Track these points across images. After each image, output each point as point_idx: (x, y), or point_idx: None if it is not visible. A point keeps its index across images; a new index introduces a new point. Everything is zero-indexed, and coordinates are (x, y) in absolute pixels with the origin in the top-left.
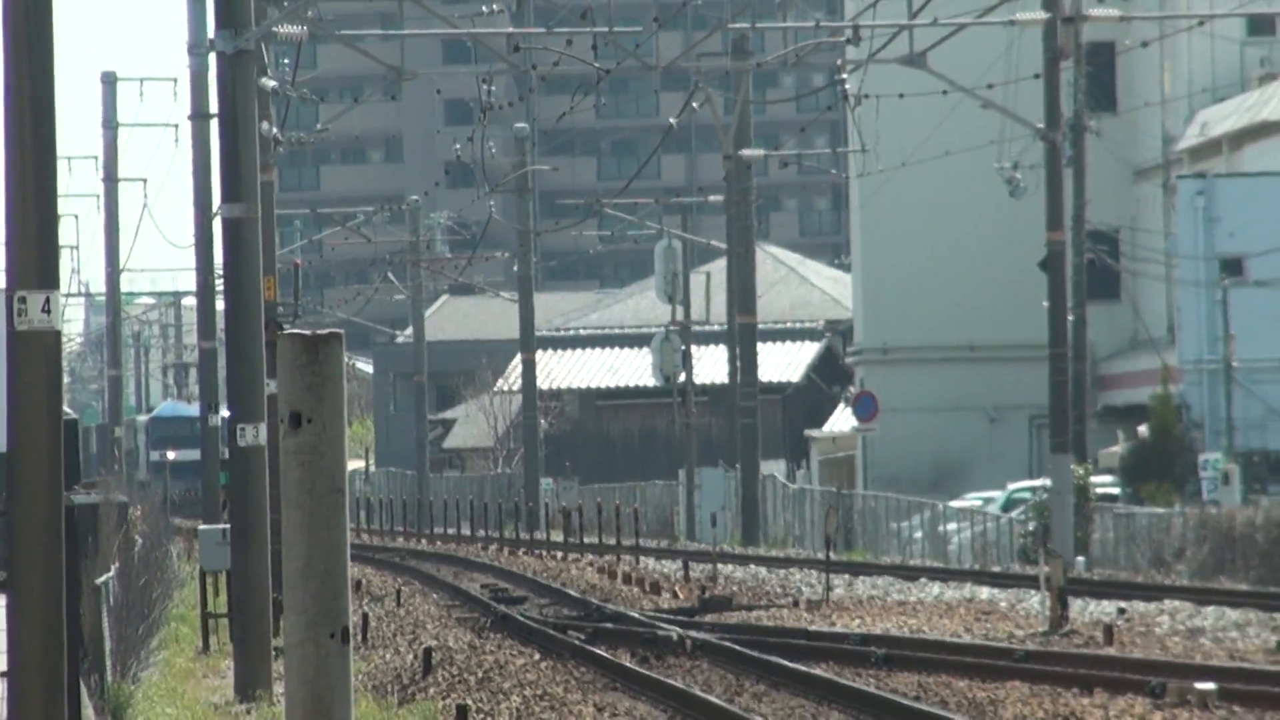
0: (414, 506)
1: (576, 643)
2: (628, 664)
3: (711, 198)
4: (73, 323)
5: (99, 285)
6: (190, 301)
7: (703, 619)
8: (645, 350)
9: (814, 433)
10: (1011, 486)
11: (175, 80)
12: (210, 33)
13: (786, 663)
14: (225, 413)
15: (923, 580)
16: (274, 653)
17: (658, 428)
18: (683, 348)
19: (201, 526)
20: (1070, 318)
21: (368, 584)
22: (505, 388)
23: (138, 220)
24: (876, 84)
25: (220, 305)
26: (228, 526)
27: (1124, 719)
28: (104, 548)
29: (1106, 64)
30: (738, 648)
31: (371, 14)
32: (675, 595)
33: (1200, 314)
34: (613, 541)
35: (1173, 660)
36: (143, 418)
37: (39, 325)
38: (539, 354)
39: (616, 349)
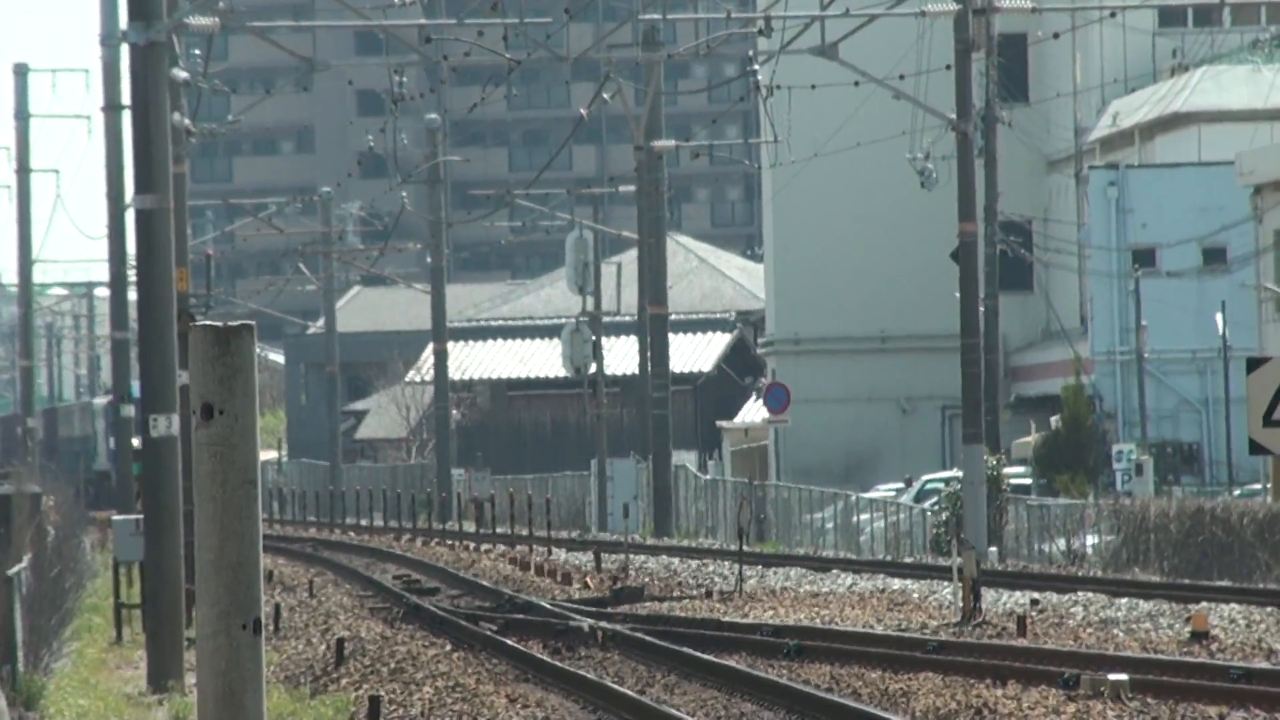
0: (326, 497)
1: (488, 634)
2: (539, 655)
3: (623, 188)
4: None
5: (11, 276)
6: (103, 292)
7: (615, 610)
8: (556, 341)
9: (726, 424)
10: (924, 477)
11: (88, 71)
12: (122, 24)
13: (698, 654)
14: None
15: (835, 571)
16: (186, 643)
17: (569, 418)
18: (593, 338)
19: (115, 517)
20: (982, 308)
21: (280, 575)
22: (417, 378)
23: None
24: (788, 75)
25: (133, 296)
26: (141, 517)
27: (1037, 710)
28: (16, 539)
29: (1018, 55)
30: (649, 639)
31: (283, 5)
32: (587, 586)
33: (1112, 305)
34: (524, 532)
35: (1085, 651)
36: (101, 400)
37: None
38: (451, 345)
39: (528, 340)
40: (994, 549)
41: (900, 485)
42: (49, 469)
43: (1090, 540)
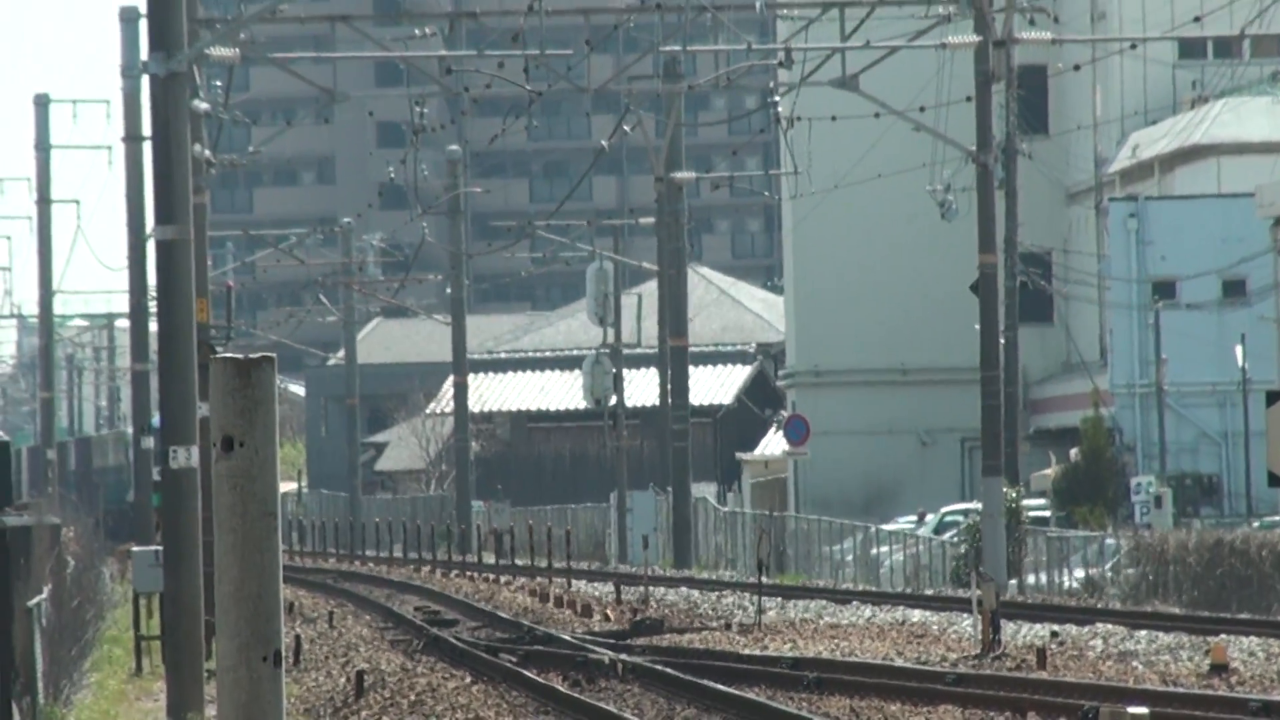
0: (346, 529)
1: (508, 665)
2: (560, 687)
3: (643, 220)
4: (5, 345)
5: (32, 307)
6: (123, 323)
7: (635, 642)
8: (576, 373)
9: (745, 455)
10: (944, 509)
11: (108, 102)
12: (143, 55)
13: (719, 686)
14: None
15: (855, 603)
16: (206, 675)
17: (589, 450)
18: (614, 370)
19: (135, 549)
20: (1002, 340)
21: (300, 606)
22: (437, 410)
23: (71, 242)
24: (808, 107)
25: (154, 327)
26: (161, 548)
27: None
28: (36, 570)
29: (1038, 87)
30: (670, 671)
31: (304, 36)
32: (607, 618)
33: (1132, 337)
34: (544, 564)
35: (1105, 684)
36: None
37: None
38: (471, 376)
39: (548, 371)
40: (1014, 581)
41: (915, 519)
42: (80, 499)
43: (1108, 568)
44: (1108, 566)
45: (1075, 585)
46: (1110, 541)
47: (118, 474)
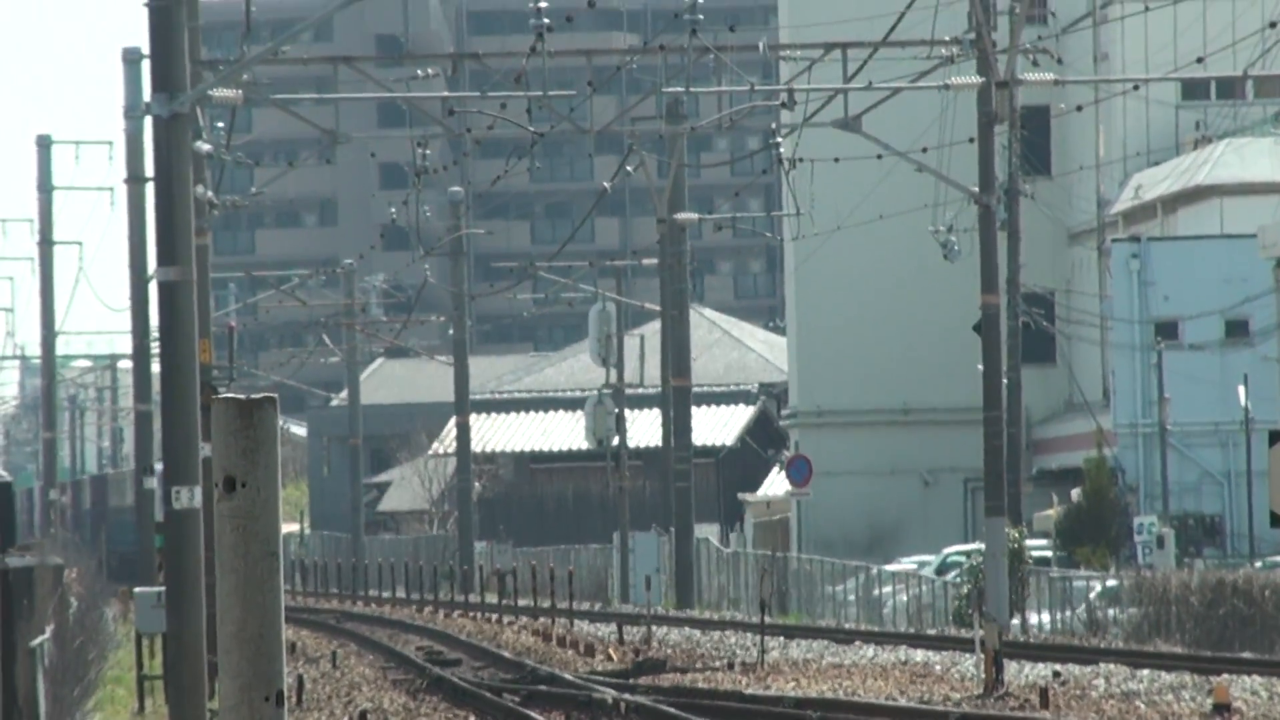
0: (349, 569)
1: (511, 705)
2: None
3: (645, 261)
4: (7, 385)
5: (34, 348)
6: (126, 364)
7: (637, 681)
8: (579, 413)
9: (748, 496)
10: (946, 550)
11: (111, 143)
12: (146, 96)
13: None
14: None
15: (857, 643)
16: (209, 715)
17: (591, 490)
18: (616, 411)
19: (138, 589)
20: (1005, 381)
21: (303, 646)
22: (440, 451)
23: (73, 283)
24: (811, 148)
25: (156, 368)
26: (164, 589)
27: None
28: (39, 610)
29: (1041, 127)
30: (672, 710)
31: (306, 78)
32: (609, 658)
33: (1134, 377)
34: (547, 604)
35: None
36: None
37: None
38: (473, 417)
39: (550, 412)
40: (1016, 621)
41: (921, 560)
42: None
43: (1110, 612)
44: (1094, 596)
45: (1079, 623)
46: (1112, 583)
47: (135, 513)
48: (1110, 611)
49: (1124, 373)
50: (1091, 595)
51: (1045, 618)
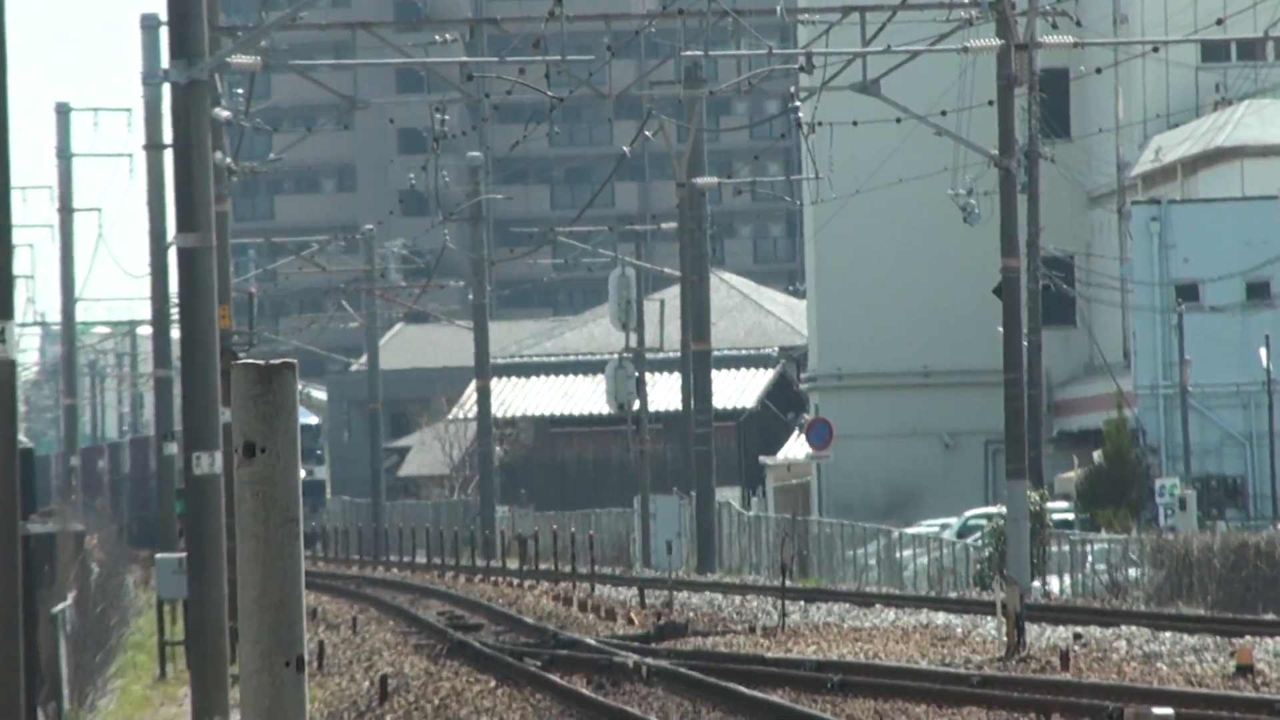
0: (369, 534)
1: (533, 670)
2: (584, 691)
3: (665, 225)
4: (28, 352)
5: (54, 315)
6: (145, 330)
7: (658, 646)
8: (599, 378)
9: (769, 459)
10: (967, 513)
11: (130, 110)
12: (164, 63)
13: (742, 689)
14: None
15: (878, 606)
16: (230, 680)
17: (612, 455)
18: (636, 375)
19: (159, 555)
20: (1025, 344)
21: (324, 611)
22: (460, 415)
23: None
24: (830, 111)
25: (176, 334)
26: (184, 555)
27: None
28: (61, 576)
29: (1060, 90)
30: (694, 674)
31: (324, 43)
32: (631, 622)
33: (1155, 340)
34: (568, 568)
35: (1129, 685)
36: None
37: None
38: (494, 382)
39: (571, 376)
40: (1037, 583)
41: (942, 523)
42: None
43: (1131, 573)
44: (1091, 561)
45: (1100, 585)
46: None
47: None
48: (1130, 572)
49: (1144, 335)
50: (1091, 560)
51: (1066, 581)
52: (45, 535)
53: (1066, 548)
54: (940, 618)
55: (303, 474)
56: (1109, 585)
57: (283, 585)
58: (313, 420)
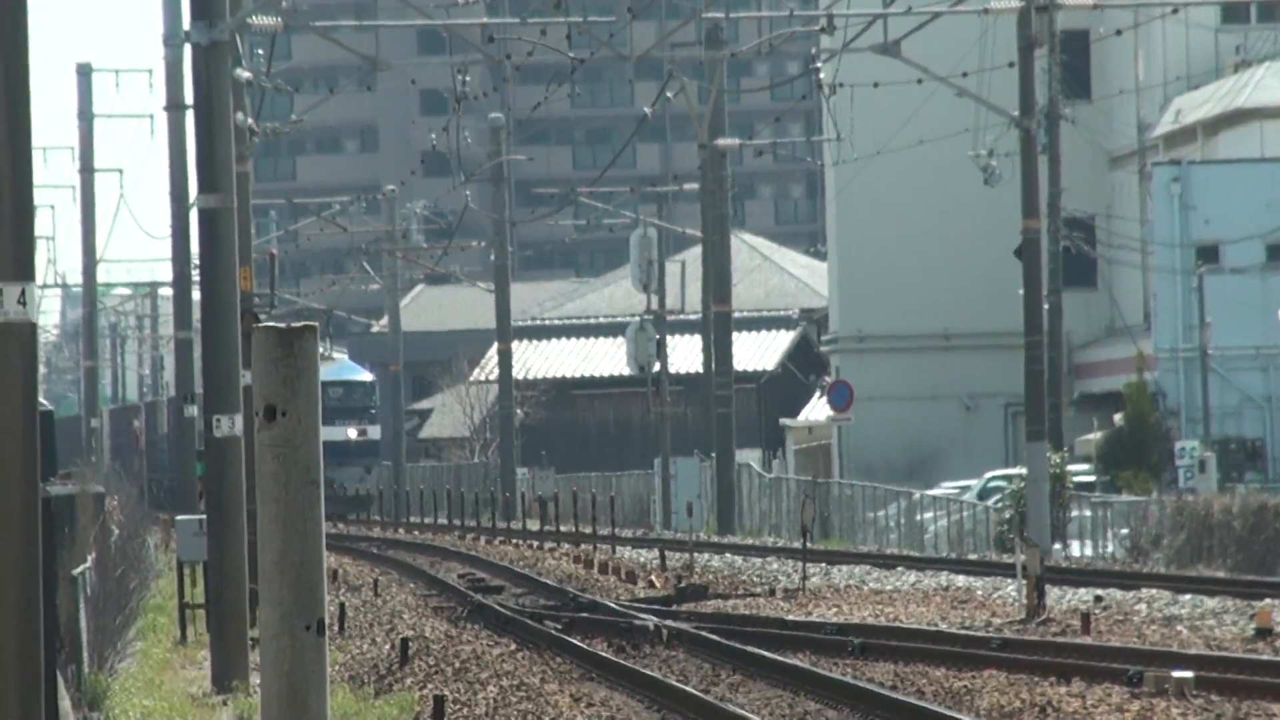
0: (390, 496)
1: (553, 632)
2: (604, 654)
3: (686, 186)
4: (49, 314)
5: (75, 276)
6: (167, 292)
7: (679, 608)
8: (620, 339)
9: (789, 421)
10: (988, 474)
11: (151, 71)
12: (185, 24)
13: (763, 652)
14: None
15: (899, 569)
16: (251, 644)
17: (633, 417)
18: (657, 337)
19: (179, 517)
20: (1046, 305)
21: (344, 574)
22: (481, 377)
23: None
24: (851, 73)
25: (197, 296)
26: (204, 517)
27: (1101, 707)
28: (80, 539)
29: (1081, 51)
30: (714, 637)
31: (346, 4)
32: (651, 584)
33: (1176, 301)
34: (589, 530)
35: (1150, 648)
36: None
37: (15, 317)
38: (515, 343)
39: (592, 338)
40: (1058, 546)
41: (962, 485)
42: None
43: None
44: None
45: (1121, 548)
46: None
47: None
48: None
49: (1165, 297)
50: (1111, 524)
51: (1087, 547)
52: (65, 497)
53: (1088, 511)
54: (961, 580)
55: (353, 433)
56: (1130, 548)
57: (303, 548)
58: (366, 377)
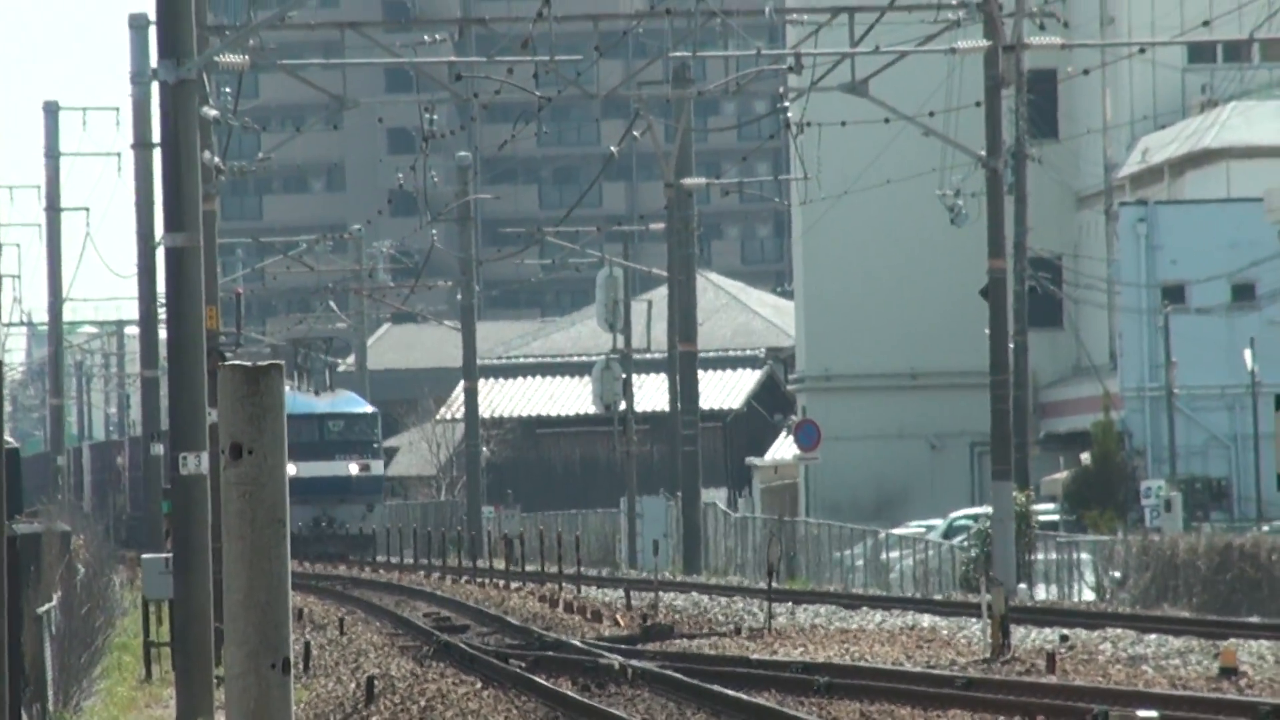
0: (357, 535)
1: (518, 671)
2: (570, 693)
3: (653, 225)
4: (14, 352)
5: (41, 314)
6: (133, 330)
7: (645, 647)
8: (586, 378)
9: (756, 460)
10: (953, 514)
11: (118, 109)
12: (153, 62)
13: (729, 691)
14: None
15: (865, 608)
16: (216, 682)
17: (599, 455)
18: (624, 376)
19: (145, 555)
20: (1012, 345)
21: (310, 612)
22: (448, 416)
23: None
24: (818, 112)
25: (163, 334)
26: (170, 555)
27: None
28: (46, 577)
29: (1048, 91)
30: (680, 676)
31: (313, 43)
32: (617, 623)
33: (1142, 341)
34: (554, 569)
35: (1115, 688)
36: None
37: None
38: (481, 382)
39: (558, 377)
40: (1023, 585)
41: (928, 524)
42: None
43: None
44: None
45: (1086, 587)
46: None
47: None
48: (1116, 574)
49: (1131, 336)
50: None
51: (1053, 589)
52: (31, 535)
53: (1054, 555)
54: (926, 619)
55: (355, 469)
56: (1095, 588)
57: (269, 586)
58: (368, 409)
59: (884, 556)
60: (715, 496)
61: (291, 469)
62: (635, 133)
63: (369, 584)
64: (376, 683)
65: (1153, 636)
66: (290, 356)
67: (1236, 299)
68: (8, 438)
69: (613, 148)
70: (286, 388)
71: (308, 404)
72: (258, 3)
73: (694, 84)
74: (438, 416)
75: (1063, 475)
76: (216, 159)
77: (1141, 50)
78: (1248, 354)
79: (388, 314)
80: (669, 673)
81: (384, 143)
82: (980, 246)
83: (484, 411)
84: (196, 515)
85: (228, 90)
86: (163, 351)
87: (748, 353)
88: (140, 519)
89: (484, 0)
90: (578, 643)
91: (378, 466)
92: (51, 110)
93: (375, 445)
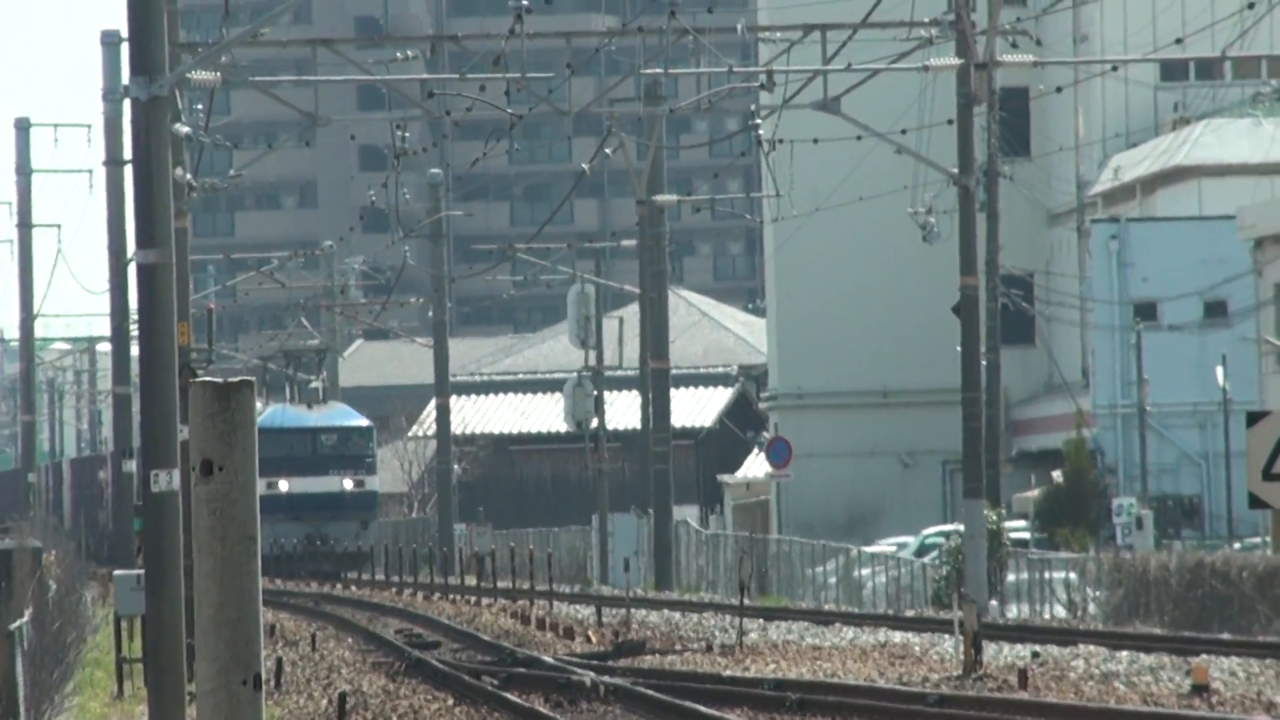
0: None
1: (490, 688)
2: (541, 709)
3: (624, 242)
4: None
5: (13, 331)
6: (105, 347)
7: (616, 664)
8: (558, 395)
9: (727, 478)
10: (925, 531)
11: (89, 126)
12: (125, 79)
13: (701, 708)
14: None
15: (837, 625)
16: (188, 698)
17: (570, 473)
18: (595, 393)
19: (117, 572)
20: (984, 362)
21: (282, 629)
22: (419, 433)
23: (52, 266)
24: (790, 129)
25: (135, 351)
26: (142, 571)
27: None
28: (18, 593)
29: (1020, 109)
30: (652, 693)
31: (285, 60)
32: (589, 640)
33: (1114, 359)
34: (526, 586)
35: (1087, 705)
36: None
37: None
38: (453, 399)
39: (529, 394)
40: (994, 602)
41: (900, 541)
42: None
43: (1092, 593)
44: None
45: (1058, 604)
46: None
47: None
48: (1089, 591)
49: (1103, 354)
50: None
51: (1025, 606)
52: (2, 551)
53: (1025, 574)
54: (898, 636)
55: (349, 484)
56: (1067, 604)
57: (240, 603)
58: (363, 422)
59: (856, 574)
60: (687, 514)
61: (283, 485)
62: (607, 150)
63: (341, 600)
64: (348, 699)
65: (1124, 653)
66: (279, 369)
67: (1208, 316)
68: None
69: (584, 165)
70: (281, 402)
71: (299, 417)
72: (230, 20)
73: (666, 101)
74: (410, 433)
75: (1034, 493)
76: (188, 176)
77: (1114, 68)
78: (1219, 371)
79: (360, 331)
80: (641, 689)
81: (356, 160)
82: (952, 264)
83: (456, 428)
84: (168, 532)
85: (200, 107)
86: (134, 368)
87: (720, 370)
88: (121, 535)
89: (456, 17)
90: (550, 659)
91: (373, 482)
92: (23, 127)
93: (370, 460)
